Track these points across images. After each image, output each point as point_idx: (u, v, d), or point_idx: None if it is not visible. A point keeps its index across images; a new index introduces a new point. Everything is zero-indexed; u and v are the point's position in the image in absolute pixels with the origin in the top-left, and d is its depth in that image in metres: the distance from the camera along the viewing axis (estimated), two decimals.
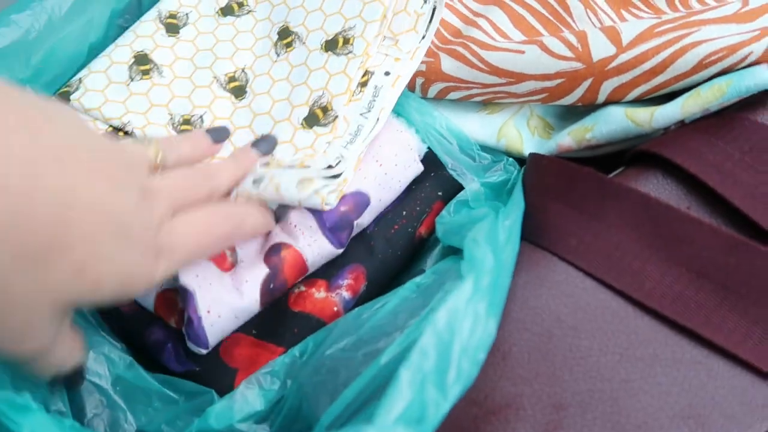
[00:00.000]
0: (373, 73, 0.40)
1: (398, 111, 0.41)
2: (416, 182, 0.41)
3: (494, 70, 0.39)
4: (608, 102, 0.38)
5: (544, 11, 0.43)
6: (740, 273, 0.29)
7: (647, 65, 0.36)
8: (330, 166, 0.36)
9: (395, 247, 0.39)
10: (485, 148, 0.41)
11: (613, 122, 0.37)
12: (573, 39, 0.38)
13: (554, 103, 0.40)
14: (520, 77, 0.39)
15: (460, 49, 0.40)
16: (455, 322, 0.24)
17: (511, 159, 0.40)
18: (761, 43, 0.34)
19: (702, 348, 0.29)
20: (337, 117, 0.38)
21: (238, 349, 0.35)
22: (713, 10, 0.37)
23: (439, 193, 0.41)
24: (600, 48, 0.37)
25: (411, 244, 0.39)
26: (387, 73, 0.40)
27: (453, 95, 0.42)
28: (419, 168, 0.40)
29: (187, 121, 0.40)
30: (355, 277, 0.37)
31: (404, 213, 0.40)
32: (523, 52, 0.38)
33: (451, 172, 0.40)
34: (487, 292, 0.26)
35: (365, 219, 0.38)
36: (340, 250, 0.37)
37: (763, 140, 0.32)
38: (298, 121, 0.39)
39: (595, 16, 0.41)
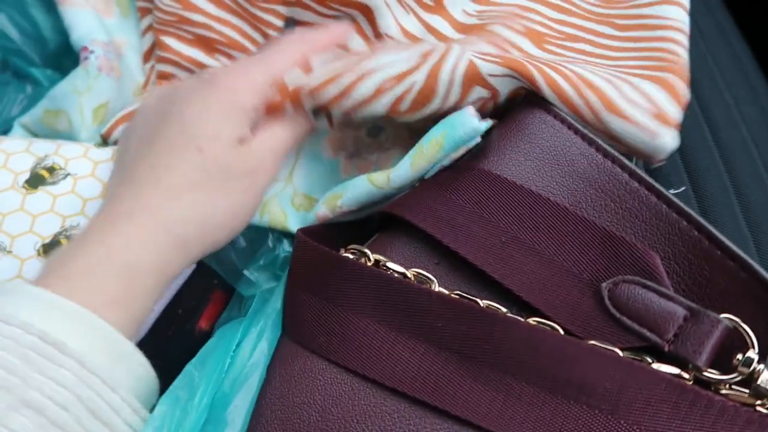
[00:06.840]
0: None
1: None
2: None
3: None
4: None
5: None
6: (474, 339, 0.29)
7: (333, 88, 0.35)
8: None
9: (171, 352, 0.37)
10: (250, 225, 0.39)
11: (358, 187, 0.36)
12: None
13: None
14: None
15: None
16: None
17: (276, 233, 0.39)
18: (421, 71, 0.34)
19: (452, 423, 0.28)
20: None
21: None
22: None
23: (215, 282, 0.39)
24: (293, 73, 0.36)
25: (191, 342, 0.37)
26: None
27: None
28: None
29: None
30: None
31: (180, 312, 0.38)
32: None
33: (216, 267, 0.38)
34: None
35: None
36: None
37: (488, 187, 0.32)
38: None
39: None
